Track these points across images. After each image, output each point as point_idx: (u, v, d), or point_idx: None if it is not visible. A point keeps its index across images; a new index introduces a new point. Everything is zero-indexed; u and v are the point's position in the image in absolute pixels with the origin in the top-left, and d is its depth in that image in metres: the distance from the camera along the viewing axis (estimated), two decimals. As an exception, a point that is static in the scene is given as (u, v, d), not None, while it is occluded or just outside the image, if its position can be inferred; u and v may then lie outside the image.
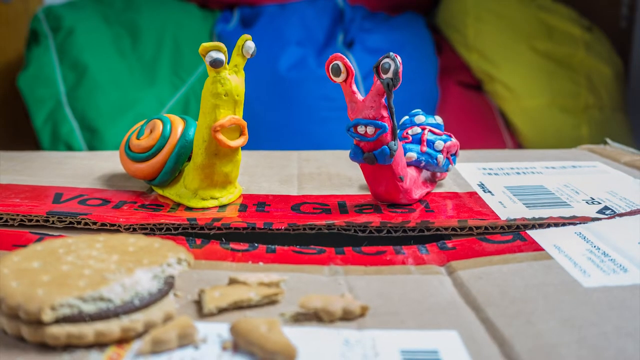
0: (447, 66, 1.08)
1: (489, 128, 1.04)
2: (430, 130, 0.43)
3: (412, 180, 0.41)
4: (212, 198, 0.41)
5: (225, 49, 0.38)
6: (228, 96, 0.38)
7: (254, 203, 0.42)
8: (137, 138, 0.43)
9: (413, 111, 0.46)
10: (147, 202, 0.42)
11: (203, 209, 0.40)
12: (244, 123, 0.40)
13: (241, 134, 0.40)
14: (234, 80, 0.38)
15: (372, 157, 0.38)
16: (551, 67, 1.05)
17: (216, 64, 0.37)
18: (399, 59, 0.36)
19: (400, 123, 0.45)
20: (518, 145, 1.03)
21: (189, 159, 0.42)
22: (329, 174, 0.49)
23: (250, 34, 0.97)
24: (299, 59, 0.95)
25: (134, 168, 0.43)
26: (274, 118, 0.93)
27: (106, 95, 0.93)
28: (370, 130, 0.38)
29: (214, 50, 0.37)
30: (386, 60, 0.37)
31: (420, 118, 0.45)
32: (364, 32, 1.01)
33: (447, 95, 1.05)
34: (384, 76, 0.37)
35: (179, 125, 0.43)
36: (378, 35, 1.01)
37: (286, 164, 0.52)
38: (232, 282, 0.31)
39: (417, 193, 0.42)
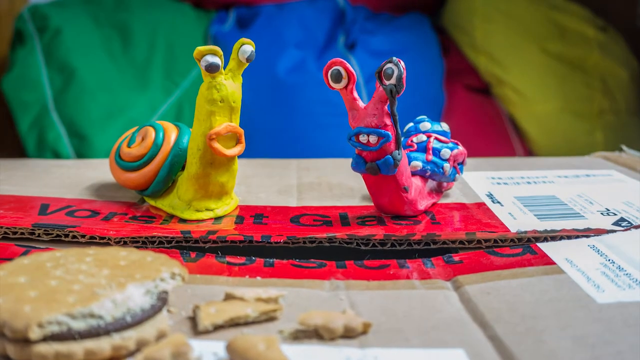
0: (454, 69, 1.08)
1: (497, 134, 1.04)
2: (436, 138, 0.44)
3: (417, 191, 0.41)
4: (207, 209, 0.41)
5: (221, 52, 0.38)
6: (224, 102, 0.39)
7: (251, 215, 0.42)
8: (128, 146, 0.43)
9: (418, 118, 0.46)
10: (139, 214, 0.42)
11: (197, 220, 0.41)
12: (241, 131, 0.40)
13: (238, 142, 0.40)
14: (230, 86, 0.39)
15: (375, 167, 0.38)
16: (563, 69, 1.05)
17: (212, 68, 0.38)
18: (402, 64, 0.37)
19: (404, 130, 0.46)
20: (528, 152, 1.03)
21: (183, 168, 0.42)
22: (330, 183, 0.50)
23: (247, 35, 0.97)
24: (298, 62, 0.95)
25: (124, 177, 0.44)
26: (271, 124, 0.94)
27: (95, 100, 0.93)
28: (372, 139, 0.38)
29: (210, 54, 0.38)
30: (389, 65, 0.37)
31: (426, 125, 0.45)
32: (367, 34, 1.02)
33: (454, 99, 1.05)
34: (387, 82, 0.37)
35: (172, 133, 0.43)
36: (381, 37, 1.01)
37: (285, 173, 0.52)
38: (229, 297, 0.31)
39: (423, 204, 0.42)
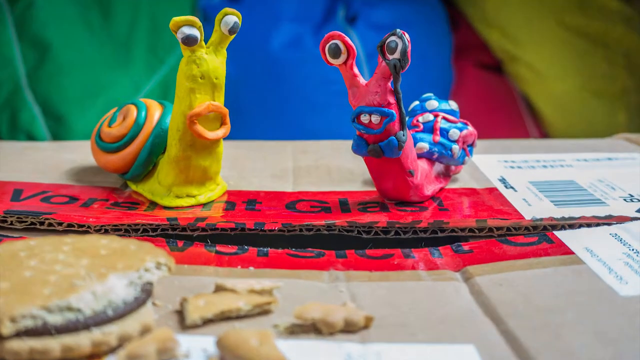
0: (464, 45, 1.08)
1: (510, 115, 1.04)
2: (443, 118, 0.44)
3: (424, 175, 0.41)
4: (188, 196, 0.41)
5: (200, 23, 0.38)
6: (205, 79, 0.38)
7: (243, 201, 0.42)
8: (109, 126, 0.43)
9: (424, 95, 0.46)
10: (121, 200, 0.42)
11: (178, 208, 0.41)
12: (225, 111, 0.40)
13: (222, 123, 0.40)
14: (212, 60, 0.38)
15: (378, 149, 0.38)
16: (584, 44, 1.05)
17: (189, 41, 0.37)
18: (407, 36, 0.36)
19: (409, 109, 0.46)
20: (544, 134, 1.04)
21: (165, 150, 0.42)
22: (329, 167, 0.50)
23: (239, 8, 0.96)
24: (293, 37, 0.95)
25: (104, 160, 0.43)
26: (265, 104, 0.94)
27: (73, 78, 0.93)
28: (375, 119, 0.38)
29: (187, 25, 0.37)
30: (392, 38, 0.37)
31: (433, 103, 0.45)
32: (368, 6, 1.01)
33: (463, 77, 1.05)
34: (390, 57, 0.37)
35: (155, 112, 0.43)
36: (384, 10, 1.01)
37: (279, 157, 0.52)
38: (219, 289, 0.31)
39: (430, 189, 0.42)
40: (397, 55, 0.37)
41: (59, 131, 0.91)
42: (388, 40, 0.37)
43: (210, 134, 0.39)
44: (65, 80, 0.92)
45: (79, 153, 0.52)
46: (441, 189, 0.44)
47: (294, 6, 0.99)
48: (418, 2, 1.06)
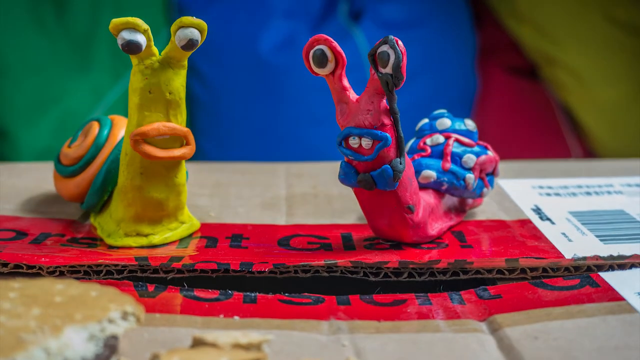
0: (490, 45, 1.08)
1: (547, 129, 1.04)
2: (457, 140, 0.43)
3: (428, 210, 0.41)
4: (138, 235, 0.41)
5: (145, 27, 0.37)
6: (154, 93, 0.38)
7: (227, 236, 0.43)
8: (69, 146, 0.44)
9: (435, 112, 0.46)
10: (80, 235, 0.43)
11: (124, 248, 0.40)
12: (184, 131, 0.39)
13: (185, 144, 0.40)
14: (165, 71, 0.38)
15: (370, 179, 0.38)
16: (635, 44, 1.05)
17: (130, 48, 0.37)
18: (400, 45, 0.36)
19: (417, 129, 0.46)
20: (588, 153, 1.04)
21: None
22: (329, 195, 0.50)
23: (221, 3, 0.97)
24: (286, 37, 0.95)
25: (60, 185, 0.44)
26: (252, 117, 0.94)
27: (20, 86, 0.93)
28: (366, 143, 0.38)
29: (127, 28, 0.36)
30: (383, 47, 0.36)
31: (445, 122, 0.44)
32: (376, 0, 1.02)
33: (490, 84, 1.06)
34: (383, 70, 0.36)
35: (121, 129, 0.43)
36: (395, 4, 1.01)
37: (270, 182, 0.53)
38: (197, 343, 0.31)
39: (436, 228, 0.42)
40: (389, 69, 0.36)
41: (4, 149, 0.91)
42: (379, 50, 0.36)
43: (161, 152, 0.39)
44: (10, 89, 0.93)
45: (28, 177, 0.52)
46: (451, 228, 0.44)
47: (287, -1, 0.99)
48: (435, -5, 1.06)
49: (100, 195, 0.43)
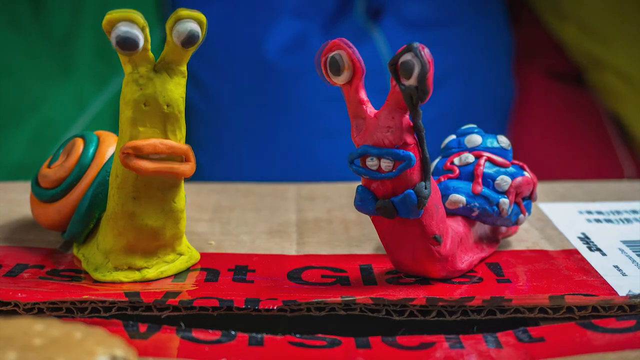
0: (529, 46, 1.08)
1: (595, 143, 1.04)
2: (489, 159, 0.43)
3: (457, 241, 0.41)
4: (130, 268, 0.41)
5: (144, 22, 0.36)
6: (150, 106, 0.38)
7: (230, 268, 0.43)
8: (49, 166, 0.44)
9: (463, 127, 0.46)
10: (61, 267, 0.43)
11: (113, 283, 0.40)
12: (183, 149, 0.39)
13: (184, 161, 0.39)
14: (162, 81, 0.38)
15: (391, 206, 0.38)
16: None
17: (126, 43, 0.36)
18: (427, 53, 0.35)
19: (443, 146, 0.46)
20: (642, 171, 1.04)
21: None
22: (345, 220, 0.50)
23: (221, -2, 0.97)
24: (295, 38, 0.96)
25: (38, 211, 0.44)
26: (257, 129, 0.94)
27: (-8, 92, 0.93)
28: (386, 164, 0.37)
29: (124, 21, 0.36)
30: (407, 56, 0.35)
31: (475, 139, 0.44)
32: (399, -4, 1.02)
33: (529, 90, 1.05)
34: (406, 82, 0.36)
35: (108, 148, 0.43)
36: (420, 1, 1.02)
37: (278, 205, 0.53)
38: (196, 394, 0.31)
39: (466, 260, 0.42)
40: (413, 81, 0.35)
41: (-26, 166, 0.91)
42: (402, 59, 0.35)
43: (156, 165, 0.38)
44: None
45: (1, 200, 0.52)
46: (483, 260, 0.43)
47: (297, -5, 1.00)
48: (466, -10, 1.06)
49: (85, 223, 0.42)
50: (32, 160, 0.90)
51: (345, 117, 0.93)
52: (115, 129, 0.44)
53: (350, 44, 0.37)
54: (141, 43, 0.36)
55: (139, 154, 0.38)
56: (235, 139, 0.94)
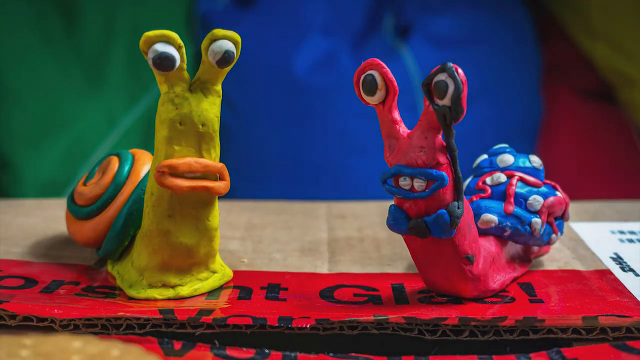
0: (558, 64, 1.08)
1: (627, 163, 1.03)
2: (521, 179, 0.43)
3: (489, 260, 0.41)
4: (164, 285, 0.41)
5: (180, 42, 0.37)
6: (185, 125, 0.38)
7: (263, 286, 0.43)
8: (84, 183, 0.44)
9: (495, 147, 0.46)
10: (96, 284, 0.43)
11: (148, 300, 0.41)
12: (217, 167, 0.39)
13: (219, 179, 0.40)
14: (197, 100, 0.38)
15: (423, 226, 0.38)
16: None
17: (162, 63, 0.37)
18: (461, 73, 0.35)
19: (475, 166, 0.46)
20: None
21: None
22: (377, 239, 0.50)
23: (251, 16, 0.98)
24: (325, 56, 0.96)
25: (74, 229, 0.45)
26: (287, 148, 0.94)
27: (24, 109, 0.94)
28: (418, 184, 0.38)
29: (161, 41, 0.37)
30: (440, 76, 0.36)
31: (507, 159, 0.44)
32: (427, 13, 1.02)
33: (558, 109, 1.05)
34: (440, 102, 0.36)
35: (143, 166, 0.44)
36: (448, 18, 1.01)
37: (310, 223, 0.53)
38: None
39: (498, 280, 0.42)
40: (446, 101, 0.36)
41: (6, 182, 0.92)
42: (435, 79, 0.36)
43: (191, 182, 0.38)
44: (12, 113, 0.93)
45: (36, 216, 0.52)
46: (515, 280, 0.43)
47: (325, 13, 1.00)
48: (495, 8, 1.06)
49: (120, 241, 0.43)
50: (63, 177, 0.91)
51: (375, 135, 0.93)
52: (145, 146, 0.44)
53: (384, 65, 0.37)
54: (177, 62, 0.37)
55: (174, 172, 0.38)
56: (265, 157, 0.94)
